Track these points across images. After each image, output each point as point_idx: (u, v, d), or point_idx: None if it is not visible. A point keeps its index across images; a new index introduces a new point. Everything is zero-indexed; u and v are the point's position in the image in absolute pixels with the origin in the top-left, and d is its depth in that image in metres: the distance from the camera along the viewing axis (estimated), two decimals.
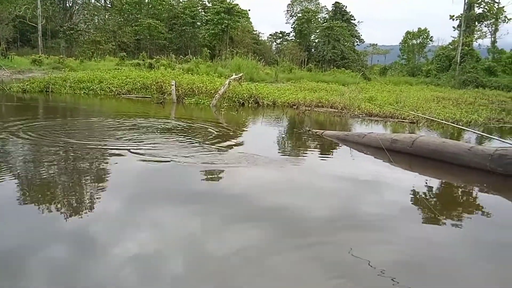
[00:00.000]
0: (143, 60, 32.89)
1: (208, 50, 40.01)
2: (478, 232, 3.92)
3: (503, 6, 41.03)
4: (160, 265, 2.84)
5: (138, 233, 3.34)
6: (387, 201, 4.58)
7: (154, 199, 4.23)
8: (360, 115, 13.45)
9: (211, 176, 5.25)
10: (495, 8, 40.79)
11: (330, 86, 22.35)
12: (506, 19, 41.36)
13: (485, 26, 42.07)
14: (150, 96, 15.53)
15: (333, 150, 7.68)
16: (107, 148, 6.40)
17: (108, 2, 55.44)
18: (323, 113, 14.20)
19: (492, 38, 41.91)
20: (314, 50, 54.85)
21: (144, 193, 4.42)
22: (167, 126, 9.03)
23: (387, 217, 4.04)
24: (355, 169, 6.25)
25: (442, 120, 11.43)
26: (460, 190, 5.68)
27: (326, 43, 50.18)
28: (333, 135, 8.73)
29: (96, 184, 4.61)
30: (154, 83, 16.25)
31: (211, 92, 14.92)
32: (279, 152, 7.32)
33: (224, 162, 5.88)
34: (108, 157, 5.90)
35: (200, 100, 14.52)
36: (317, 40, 54.98)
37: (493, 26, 41.64)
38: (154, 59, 33.39)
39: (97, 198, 4.12)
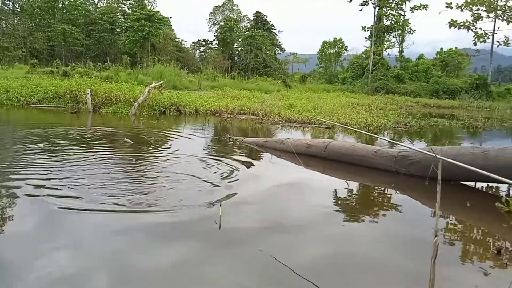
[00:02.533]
0: (57, 67, 31.10)
1: (129, 58, 38.88)
2: (390, 229, 4.26)
3: (408, 19, 44.80)
4: None
5: None
6: (305, 204, 4.79)
7: None
8: (280, 122, 13.89)
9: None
10: (401, 20, 44.38)
11: (252, 94, 22.81)
12: (411, 30, 45.21)
13: (393, 37, 45.63)
14: (63, 106, 14.76)
15: (252, 157, 7.86)
16: None
17: (17, 6, 51.71)
18: (245, 120, 14.47)
19: (400, 48, 45.48)
20: (237, 58, 55.60)
21: None
22: (78, 137, 8.65)
23: (308, 218, 4.23)
24: (274, 173, 6.47)
25: (346, 125, 12.19)
26: (370, 190, 6.10)
27: (249, 52, 51.07)
28: (252, 141, 8.95)
29: None
30: (68, 91, 15.49)
31: (130, 101, 14.56)
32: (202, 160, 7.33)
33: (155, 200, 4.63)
34: None
35: (119, 109, 14.09)
36: (240, 48, 55.82)
37: (400, 37, 45.21)
38: (70, 67, 31.75)
39: None
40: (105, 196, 4.47)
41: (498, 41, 39.47)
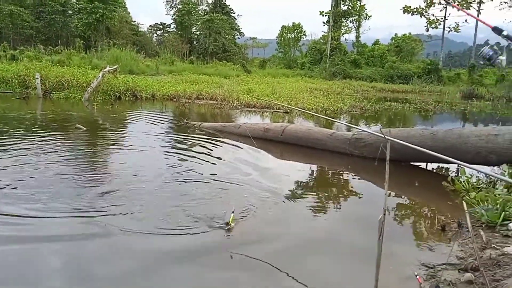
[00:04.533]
0: (4, 51, 29.40)
1: (82, 41, 37.27)
2: (344, 209, 4.38)
3: (364, 4, 45.53)
4: None
5: None
6: (263, 187, 4.81)
7: None
8: (239, 107, 13.87)
9: None
10: (358, 6, 45.03)
11: (211, 79, 22.56)
12: (367, 16, 45.97)
13: (350, 22, 46.20)
14: (11, 91, 14.03)
15: (210, 142, 7.80)
16: None
17: None
18: (203, 105, 14.34)
19: (357, 33, 46.21)
20: (196, 43, 54.61)
21: None
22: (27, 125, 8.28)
23: (266, 201, 4.26)
24: (230, 157, 6.46)
25: (304, 109, 12.37)
26: (326, 172, 6.24)
27: (208, 36, 50.28)
28: (210, 126, 8.89)
29: None
30: (16, 76, 14.73)
31: (83, 86, 14.04)
32: (161, 146, 7.19)
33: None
34: None
35: (71, 94, 13.56)
36: (199, 32, 54.81)
37: (357, 22, 45.92)
38: (18, 50, 30.09)
39: None
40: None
41: (449, 27, 40.96)
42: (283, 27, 53.07)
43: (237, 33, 57.93)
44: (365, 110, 15.21)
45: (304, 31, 52.67)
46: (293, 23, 52.77)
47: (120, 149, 6.61)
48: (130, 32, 51.84)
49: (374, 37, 48.01)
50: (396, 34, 44.41)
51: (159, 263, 2.89)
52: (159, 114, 11.40)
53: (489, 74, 36.15)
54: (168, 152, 6.53)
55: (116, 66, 15.59)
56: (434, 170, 6.17)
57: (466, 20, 40.34)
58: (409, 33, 43.52)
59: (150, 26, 63.21)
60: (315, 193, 4.83)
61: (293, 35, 52.45)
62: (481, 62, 1.81)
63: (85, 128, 7.91)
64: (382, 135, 3.86)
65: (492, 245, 3.04)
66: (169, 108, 13.05)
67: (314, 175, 5.95)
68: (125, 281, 2.71)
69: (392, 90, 29.98)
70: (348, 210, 4.40)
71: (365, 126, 11.56)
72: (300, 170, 6.04)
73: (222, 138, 7.97)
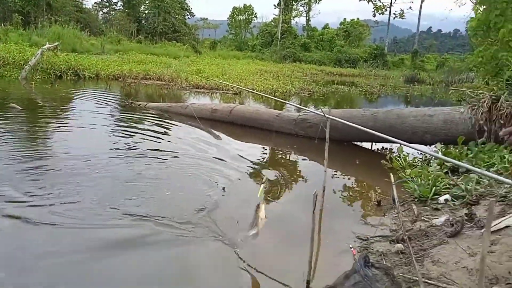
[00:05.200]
0: None
1: (21, 17, 34.91)
2: (291, 186, 4.44)
3: None
4: None
5: None
6: (211, 167, 4.77)
7: None
8: (188, 87, 13.64)
9: None
10: None
11: (160, 59, 21.94)
12: (317, 0, 46.41)
13: (301, 6, 46.46)
14: None
15: (156, 123, 7.62)
16: None
17: None
18: (150, 85, 13.96)
19: (307, 17, 46.59)
20: (145, 22, 52.75)
21: None
22: None
23: (215, 181, 4.24)
24: (178, 137, 6.35)
25: (252, 90, 12.41)
26: (273, 152, 6.27)
27: (157, 15, 48.73)
28: (156, 106, 8.68)
29: None
30: None
31: (20, 63, 13.16)
32: (104, 125, 6.91)
33: None
34: None
35: (6, 73, 12.69)
36: (147, 11, 52.97)
37: (307, 6, 46.26)
38: None
39: None
40: None
41: (394, 14, 42.26)
42: (234, 8, 52.52)
43: (188, 13, 56.54)
44: (313, 92, 15.48)
45: (255, 13, 52.43)
46: (244, 4, 52.33)
47: (59, 128, 6.30)
48: (73, 8, 49.05)
49: (324, 21, 48.73)
50: (345, 19, 45.33)
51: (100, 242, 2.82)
52: (103, 94, 10.95)
53: (431, 60, 37.92)
54: (111, 131, 6.31)
55: (56, 43, 14.75)
56: (377, 150, 6.41)
57: (410, 7, 41.77)
58: (357, 18, 44.57)
59: (96, 3, 60.13)
60: (260, 172, 4.86)
61: (244, 17, 52.06)
62: None
63: (20, 108, 7.45)
64: (322, 114, 3.96)
65: (422, 218, 3.21)
66: (114, 88, 12.57)
67: (261, 155, 5.98)
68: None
69: (340, 73, 30.67)
70: (292, 188, 4.48)
71: (313, 107, 11.77)
72: (247, 150, 6.05)
73: (168, 118, 7.81)
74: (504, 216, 2.79)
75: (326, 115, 3.67)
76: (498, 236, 2.57)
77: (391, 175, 2.30)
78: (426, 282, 2.20)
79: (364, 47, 41.33)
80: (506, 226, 2.66)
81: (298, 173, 5.10)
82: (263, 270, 2.66)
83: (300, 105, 12.64)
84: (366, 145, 6.58)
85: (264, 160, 5.59)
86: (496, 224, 2.70)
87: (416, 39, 42.87)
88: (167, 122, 7.48)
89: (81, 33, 28.93)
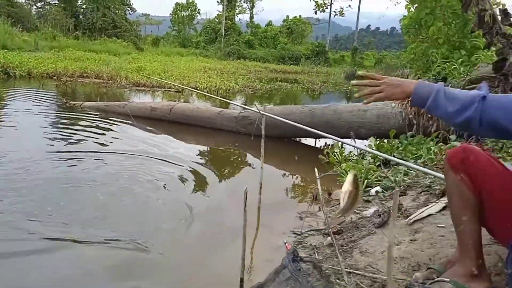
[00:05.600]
0: None
1: None
2: (230, 185, 4.43)
3: None
4: None
5: None
6: (147, 167, 4.65)
7: None
8: (128, 86, 13.24)
9: None
10: None
11: (99, 56, 21.15)
12: None
13: (244, 2, 46.68)
14: None
15: (92, 122, 7.32)
16: None
17: None
18: (88, 84, 13.41)
19: (250, 14, 46.91)
20: (83, 17, 50.49)
21: None
22: None
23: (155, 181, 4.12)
24: (114, 138, 6.14)
25: (196, 89, 12.34)
26: (215, 151, 6.23)
27: (95, 10, 46.82)
28: (92, 106, 8.34)
29: None
30: None
31: None
32: (39, 126, 6.54)
33: None
34: None
35: None
36: (85, 6, 50.76)
37: (251, 3, 46.52)
38: None
39: None
40: None
41: (334, 12, 43.57)
42: (177, 4, 51.60)
43: (128, 9, 54.85)
44: (257, 90, 15.58)
45: (199, 10, 51.82)
46: (187, 0, 51.57)
47: None
48: (4, 2, 46.08)
49: (267, 19, 49.23)
50: (287, 16, 46.03)
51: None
52: (37, 93, 10.34)
53: (370, 57, 39.41)
54: (45, 132, 5.99)
55: None
56: (321, 146, 6.54)
57: (349, 6, 43.17)
58: (300, 16, 45.37)
59: None
60: (201, 171, 4.81)
61: (187, 13, 51.29)
62: None
63: None
64: (258, 111, 3.98)
65: (354, 210, 3.31)
66: (48, 87, 11.93)
67: (202, 153, 5.92)
68: None
69: (283, 70, 31.10)
70: (230, 185, 4.48)
71: (258, 105, 11.84)
72: (187, 149, 5.97)
73: (107, 118, 7.53)
74: (427, 206, 2.95)
75: (261, 112, 3.70)
76: (421, 224, 2.71)
77: (316, 169, 2.35)
78: (354, 272, 2.26)
79: (307, 44, 42.22)
80: (429, 215, 2.81)
81: (237, 171, 5.11)
82: (196, 268, 2.64)
83: (246, 102, 12.70)
84: (311, 141, 6.69)
85: (205, 158, 5.54)
86: (420, 213, 2.84)
87: (355, 37, 44.43)
88: (106, 122, 7.21)
89: (12, 28, 27.17)
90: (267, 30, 43.73)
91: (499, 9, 3.70)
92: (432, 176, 3.31)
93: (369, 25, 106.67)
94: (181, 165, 4.87)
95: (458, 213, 1.79)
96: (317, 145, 6.60)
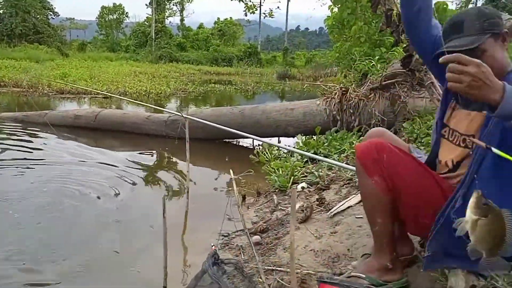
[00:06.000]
0: None
1: None
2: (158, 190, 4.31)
3: None
4: None
5: None
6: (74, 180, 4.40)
7: None
8: (51, 94, 12.54)
9: None
10: None
11: (19, 64, 19.85)
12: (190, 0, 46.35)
13: (174, 5, 45.89)
14: None
15: (10, 134, 6.82)
16: None
17: None
18: (6, 93, 12.53)
19: (181, 17, 46.23)
20: (0, 23, 47.19)
21: None
22: None
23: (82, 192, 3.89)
24: (35, 149, 5.76)
25: (125, 95, 11.99)
26: (145, 156, 6.03)
27: (14, 15, 43.85)
28: (10, 117, 7.79)
29: None
30: None
31: None
32: None
33: None
34: None
35: None
36: (2, 11, 47.38)
37: (180, 5, 45.90)
38: None
39: None
40: None
41: (264, 13, 44.20)
42: (103, 7, 49.74)
43: (51, 13, 52.00)
44: (189, 92, 15.41)
45: (127, 13, 50.38)
46: (114, 3, 49.89)
47: None
48: None
49: (199, 21, 48.83)
50: (218, 18, 45.97)
51: None
52: None
53: (300, 57, 40.44)
54: None
55: None
56: (255, 146, 6.53)
57: (278, 7, 44.03)
58: (230, 18, 45.53)
59: None
60: (129, 178, 4.64)
61: (115, 17, 49.61)
62: None
63: None
64: (180, 115, 3.92)
65: (280, 207, 3.37)
66: None
67: (130, 159, 5.71)
68: None
69: (217, 72, 31.01)
70: (159, 191, 4.37)
71: (195, 107, 11.70)
72: (114, 156, 5.75)
73: (25, 128, 7.06)
74: (347, 198, 3.06)
75: (184, 115, 3.64)
76: (341, 216, 2.80)
77: (231, 170, 2.34)
78: (277, 269, 2.29)
79: (239, 46, 42.41)
80: (349, 207, 2.91)
81: (165, 176, 4.99)
82: (119, 277, 2.55)
83: (180, 105, 12.51)
84: (248, 141, 6.66)
85: (133, 165, 5.36)
86: (340, 206, 2.94)
87: (285, 37, 45.40)
88: (25, 133, 6.76)
89: None
90: (198, 33, 43.38)
91: None
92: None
93: (299, 25, 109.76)
94: (108, 172, 4.68)
95: (372, 215, 1.84)
96: (254, 144, 6.61)
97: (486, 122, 1.52)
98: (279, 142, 6.39)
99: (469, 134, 1.65)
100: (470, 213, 1.28)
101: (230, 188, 4.47)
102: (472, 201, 1.26)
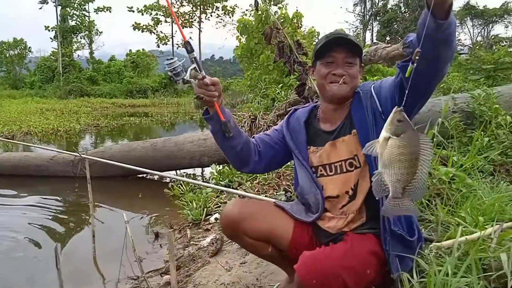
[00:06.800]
0: None
1: None
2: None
3: (93, 20, 44.37)
4: None
5: None
6: None
7: None
8: None
9: None
10: (87, 21, 43.39)
11: None
12: (98, 32, 44.87)
13: (82, 38, 44.09)
14: None
15: None
16: None
17: None
18: None
19: (90, 49, 44.54)
20: None
21: None
22: None
23: None
24: None
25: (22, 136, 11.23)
26: (50, 200, 5.61)
27: None
28: None
29: None
30: None
31: None
32: None
33: None
34: None
35: None
36: None
37: (89, 38, 44.23)
38: None
39: None
40: None
41: (177, 43, 44.15)
42: (3, 43, 46.45)
43: None
44: (101, 127, 14.80)
45: (29, 47, 47.50)
46: (14, 38, 46.83)
47: None
48: None
49: (110, 53, 47.38)
50: (130, 50, 45.01)
51: None
52: None
53: None
54: None
55: None
56: (159, 179, 6.40)
57: (190, 38, 44.32)
58: (143, 49, 44.85)
59: None
60: (31, 227, 4.28)
61: (16, 52, 46.50)
62: (168, 73, 1.70)
63: None
64: (78, 155, 3.73)
65: (192, 242, 3.30)
66: None
67: (35, 203, 5.29)
68: None
69: (132, 105, 30.16)
70: (62, 237, 4.08)
71: (111, 143, 11.20)
72: (18, 202, 5.29)
73: None
74: None
75: (82, 155, 3.47)
76: None
77: (123, 214, 2.27)
78: None
79: (154, 77, 41.81)
80: None
81: (70, 221, 4.69)
82: None
83: (96, 140, 11.94)
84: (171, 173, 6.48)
85: (38, 210, 4.96)
86: None
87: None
88: None
89: None
90: (110, 65, 41.98)
91: (293, 40, 4.18)
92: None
93: (213, 55, 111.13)
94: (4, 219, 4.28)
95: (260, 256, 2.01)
96: (156, 179, 6.45)
97: (362, 138, 1.66)
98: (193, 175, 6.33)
99: (352, 155, 1.75)
100: (383, 131, 1.18)
101: (144, 227, 4.31)
102: (389, 116, 1.18)
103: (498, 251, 1.59)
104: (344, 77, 1.71)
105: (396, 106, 1.22)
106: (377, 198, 1.38)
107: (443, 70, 1.38)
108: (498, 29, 42.62)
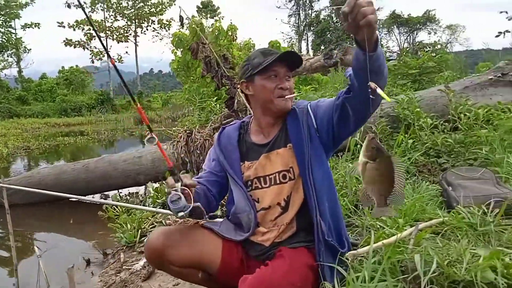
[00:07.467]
0: None
1: None
2: None
3: (21, 37, 42.09)
4: None
5: None
6: None
7: None
8: None
9: None
10: (13, 39, 41.04)
11: None
12: (26, 49, 42.53)
13: (8, 56, 41.60)
14: None
15: None
16: None
17: None
18: None
19: (18, 68, 42.09)
20: None
21: None
22: None
23: None
24: None
25: None
26: None
27: None
28: None
29: None
30: None
31: None
32: None
33: None
34: None
35: None
36: None
37: (16, 56, 41.81)
38: None
39: None
40: None
41: (113, 58, 42.82)
42: None
43: None
44: (32, 149, 13.97)
45: None
46: None
47: None
48: None
49: (41, 71, 45.16)
50: (63, 67, 43.07)
51: None
52: None
53: (157, 99, 40.11)
54: None
55: None
56: (92, 204, 6.10)
57: (126, 52, 43.41)
58: (77, 66, 43.10)
59: None
60: None
61: None
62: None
63: None
64: None
65: (125, 266, 3.16)
66: None
67: None
68: None
69: (67, 124, 28.82)
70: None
71: (46, 164, 10.55)
72: None
73: None
74: None
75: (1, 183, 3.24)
76: None
77: (11, 238, 2.12)
78: None
79: (90, 94, 40.28)
80: None
81: None
82: None
83: (29, 163, 11.23)
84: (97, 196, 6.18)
85: None
86: None
87: (138, 81, 44.73)
88: None
89: None
90: (41, 83, 39.85)
91: (219, 55, 4.20)
92: None
93: (152, 68, 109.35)
94: None
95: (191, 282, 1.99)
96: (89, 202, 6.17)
97: (297, 151, 1.74)
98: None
99: (288, 168, 1.77)
100: (361, 156, 1.37)
101: (73, 254, 4.07)
102: (364, 144, 1.36)
103: (414, 252, 1.65)
104: (289, 90, 1.78)
105: (368, 134, 1.34)
106: (364, 209, 1.52)
107: (379, 98, 1.43)
108: (422, 36, 45.29)
